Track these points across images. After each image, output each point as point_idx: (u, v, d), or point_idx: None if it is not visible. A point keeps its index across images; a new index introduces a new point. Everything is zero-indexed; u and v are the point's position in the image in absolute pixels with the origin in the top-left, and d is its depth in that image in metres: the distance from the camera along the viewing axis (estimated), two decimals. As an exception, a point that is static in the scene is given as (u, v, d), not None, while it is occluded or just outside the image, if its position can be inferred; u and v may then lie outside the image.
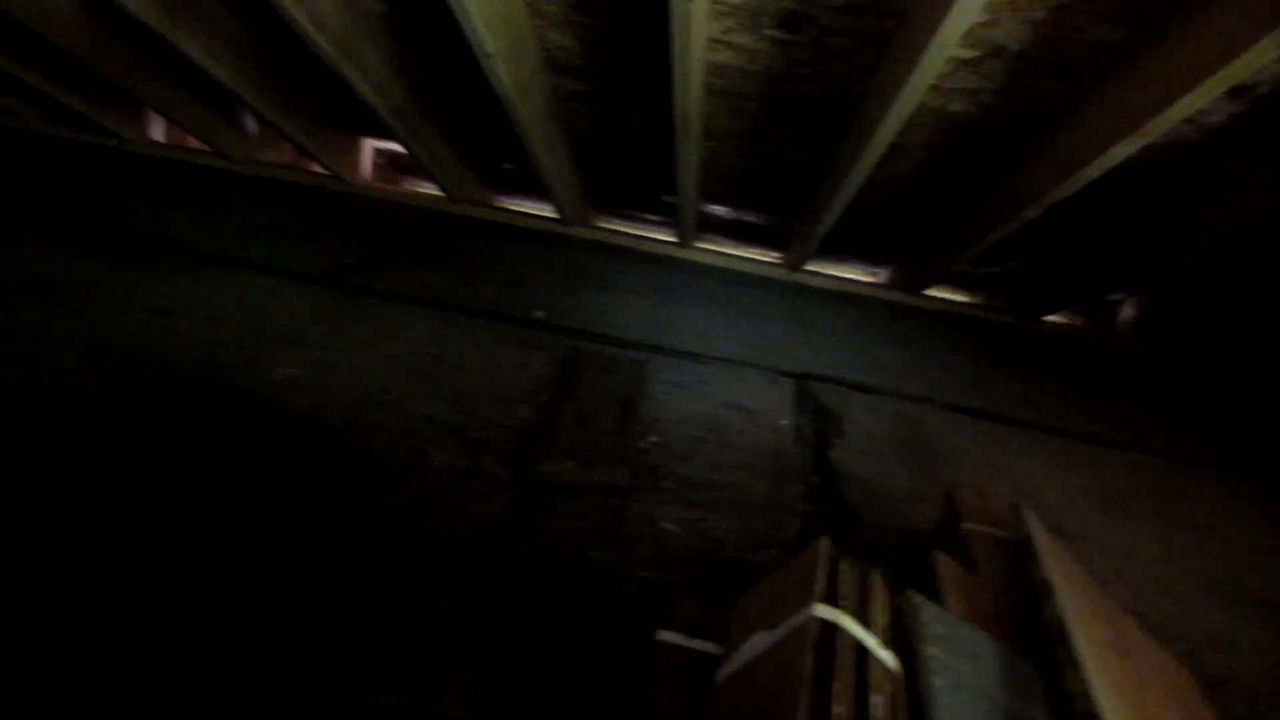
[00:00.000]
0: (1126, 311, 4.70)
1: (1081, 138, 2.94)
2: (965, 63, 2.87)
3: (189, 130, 4.68)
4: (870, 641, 1.46)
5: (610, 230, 4.92)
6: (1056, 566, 1.87)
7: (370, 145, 5.09)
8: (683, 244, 4.69)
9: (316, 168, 5.02)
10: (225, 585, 1.90)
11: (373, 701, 1.65)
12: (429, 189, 5.20)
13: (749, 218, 4.69)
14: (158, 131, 5.20)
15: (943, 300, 4.74)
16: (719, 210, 4.63)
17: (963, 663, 1.51)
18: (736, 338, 3.70)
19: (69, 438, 2.33)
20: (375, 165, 5.22)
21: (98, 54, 3.83)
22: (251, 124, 4.99)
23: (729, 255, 4.84)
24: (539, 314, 3.59)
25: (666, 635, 1.70)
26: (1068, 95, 2.94)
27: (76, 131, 5.06)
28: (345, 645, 1.77)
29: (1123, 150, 2.78)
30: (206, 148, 4.97)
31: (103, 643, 1.70)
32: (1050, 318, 4.69)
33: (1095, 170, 2.92)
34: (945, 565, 1.94)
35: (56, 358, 2.70)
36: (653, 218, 4.99)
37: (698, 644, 1.68)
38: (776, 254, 5.04)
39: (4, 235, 3.59)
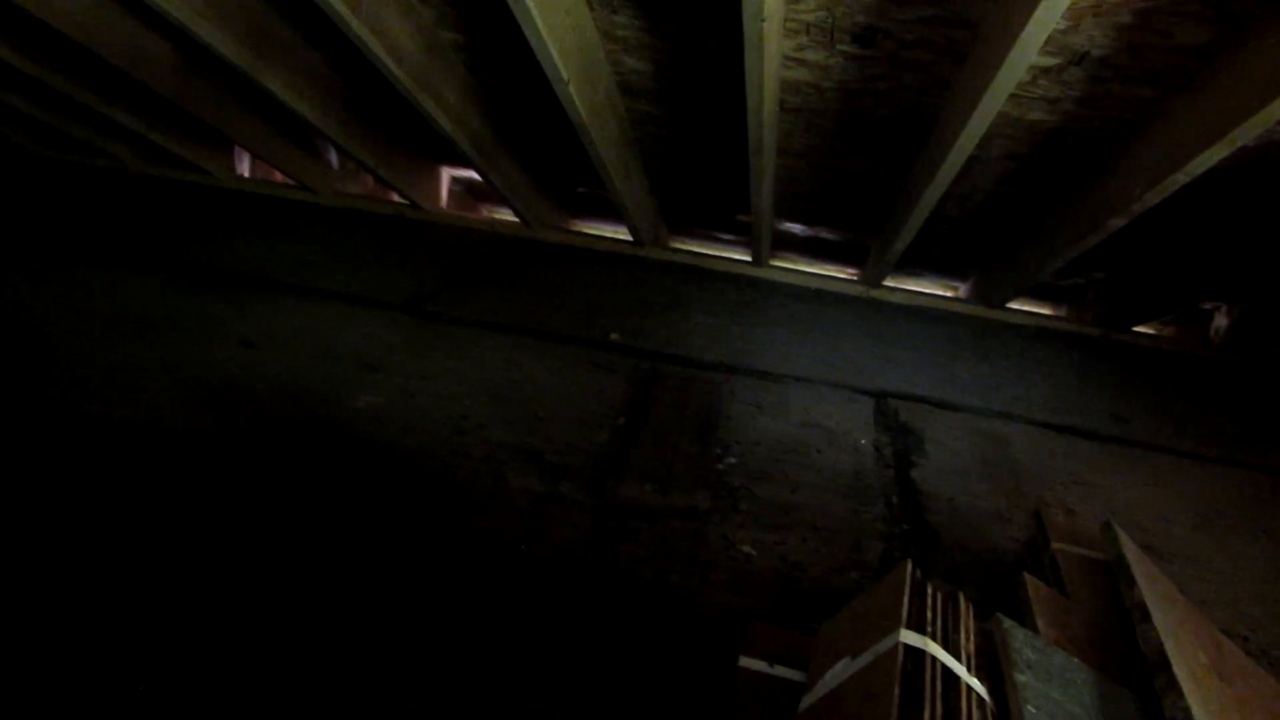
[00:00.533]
0: (1220, 320, 4.53)
1: (1170, 143, 2.85)
2: (1045, 70, 2.80)
3: (274, 164, 4.81)
4: (959, 668, 1.42)
5: (685, 251, 4.92)
6: (1152, 588, 1.81)
7: (447, 173, 5.17)
8: (758, 263, 4.66)
9: (395, 197, 5.12)
10: (317, 612, 1.93)
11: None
12: (505, 215, 5.26)
13: (824, 234, 4.65)
14: (244, 167, 5.36)
15: (1025, 313, 4.63)
16: (794, 228, 4.60)
17: (1055, 690, 1.46)
18: (814, 356, 3.66)
19: (169, 473, 2.41)
20: (452, 193, 5.30)
21: (187, 94, 3.97)
22: (333, 157, 5.11)
23: (805, 273, 4.80)
24: (615, 336, 3.60)
25: (748, 662, 1.68)
26: (1154, 100, 2.86)
27: (169, 169, 5.24)
28: (431, 673, 1.79)
29: (1214, 155, 2.69)
30: (290, 181, 5.11)
31: (218, 660, 1.75)
32: (1139, 328, 4.55)
33: (1185, 176, 2.83)
34: (1035, 588, 1.88)
35: (153, 392, 2.79)
36: (727, 237, 4.98)
37: (779, 670, 1.66)
38: (853, 270, 4.98)
39: (104, 272, 3.73)
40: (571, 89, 2.95)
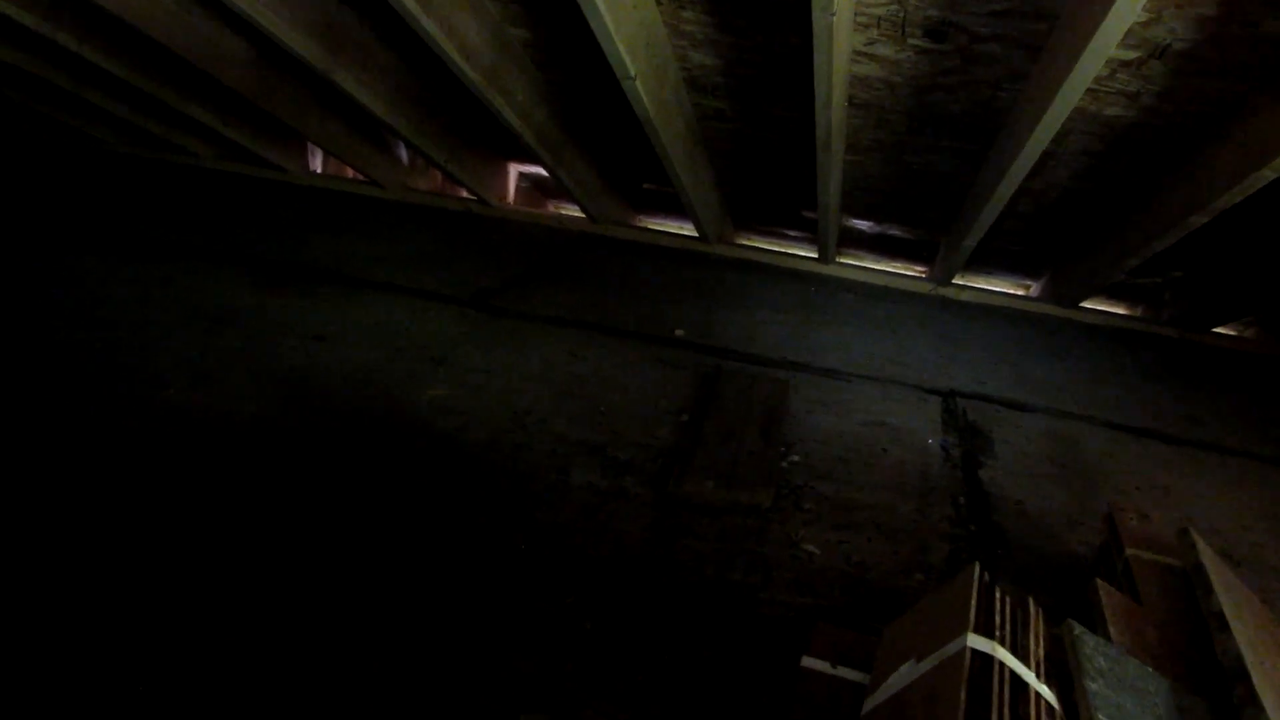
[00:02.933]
0: (1306, 323, 4.39)
1: (1255, 139, 2.76)
2: (1124, 64, 2.73)
3: (346, 161, 4.89)
4: (1027, 675, 1.39)
5: (750, 247, 4.89)
6: (1230, 596, 1.75)
7: (514, 169, 5.21)
8: (824, 259, 4.62)
9: (463, 193, 5.17)
10: (383, 601, 1.96)
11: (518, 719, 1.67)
12: (571, 210, 5.29)
13: (892, 231, 4.59)
14: (316, 163, 5.46)
15: (1099, 313, 4.52)
16: (861, 224, 4.54)
17: (1127, 698, 1.43)
18: (880, 354, 3.62)
19: (243, 461, 2.47)
20: (519, 189, 5.34)
21: (264, 93, 4.06)
22: (403, 153, 5.19)
23: (872, 270, 4.75)
24: (679, 332, 3.60)
25: (811, 662, 1.67)
26: (1238, 94, 2.77)
27: (245, 166, 5.36)
28: (493, 665, 1.81)
29: (1301, 151, 2.60)
30: (362, 177, 5.20)
31: (291, 637, 1.79)
32: (1218, 329, 4.42)
33: (1271, 173, 2.73)
34: (1107, 594, 1.84)
35: (227, 384, 2.86)
36: (793, 234, 4.94)
37: (842, 672, 1.64)
38: (921, 268, 4.91)
39: (181, 266, 3.83)
40: (638, 84, 2.95)
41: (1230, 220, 3.24)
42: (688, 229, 4.89)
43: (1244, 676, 1.51)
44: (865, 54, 2.95)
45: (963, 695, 1.28)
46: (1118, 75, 2.78)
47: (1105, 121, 3.06)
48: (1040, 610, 1.61)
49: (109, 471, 2.34)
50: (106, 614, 1.85)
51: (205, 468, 2.41)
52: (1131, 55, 2.67)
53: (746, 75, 3.30)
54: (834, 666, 1.65)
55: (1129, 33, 2.45)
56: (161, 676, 1.71)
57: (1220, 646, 1.61)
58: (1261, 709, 1.43)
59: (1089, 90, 2.80)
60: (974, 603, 1.50)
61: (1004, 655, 1.40)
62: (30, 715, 1.60)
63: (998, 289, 4.78)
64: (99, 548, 2.05)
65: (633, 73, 2.87)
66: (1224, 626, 1.63)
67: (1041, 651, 1.49)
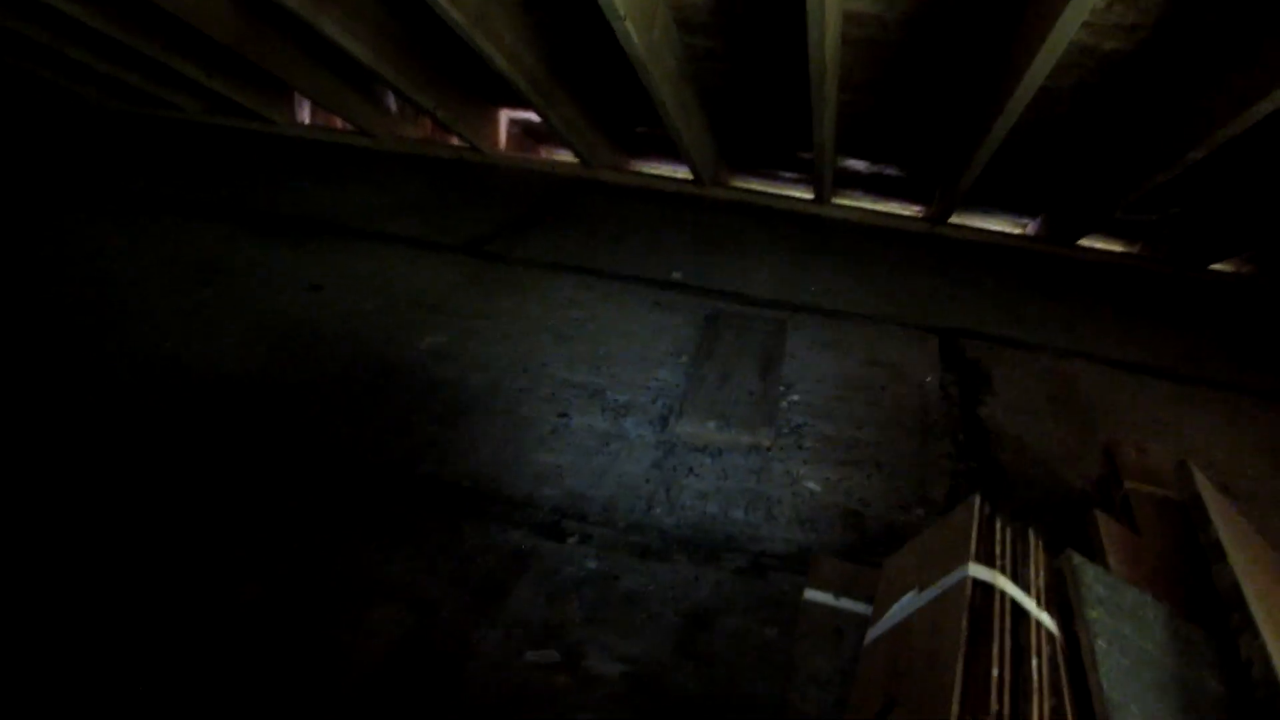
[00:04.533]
0: (1303, 257, 4.38)
1: (1255, 71, 2.73)
2: (1121, -4, 2.70)
3: (333, 111, 4.83)
4: (1028, 603, 1.41)
5: (746, 190, 4.86)
6: (1227, 527, 1.77)
7: (506, 115, 5.15)
8: (820, 200, 4.59)
9: (455, 140, 5.12)
10: (386, 548, 1.97)
11: (523, 657, 1.69)
12: (564, 156, 5.24)
13: (889, 171, 4.56)
14: (304, 114, 5.39)
15: (1096, 251, 4.52)
16: (857, 164, 4.51)
17: (1126, 626, 1.45)
18: (878, 294, 3.61)
19: (240, 411, 2.46)
20: (511, 135, 5.29)
21: (247, 42, 3.99)
22: (391, 101, 5.12)
23: (868, 210, 4.72)
24: (676, 275, 3.58)
25: (813, 594, 1.69)
26: (1238, 26, 2.73)
27: (231, 118, 5.29)
28: (499, 604, 1.82)
29: (1304, 81, 2.58)
30: (350, 127, 5.13)
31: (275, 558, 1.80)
32: (1216, 266, 4.41)
33: (1271, 105, 2.71)
34: (1106, 525, 1.86)
35: (223, 336, 2.85)
36: (789, 175, 4.91)
37: (845, 603, 1.66)
38: (918, 208, 4.88)
39: (173, 220, 3.80)
40: (629, 25, 2.91)
41: (1228, 154, 3.22)
42: (682, 172, 4.85)
43: (1240, 604, 1.52)
44: (860, -12, 2.91)
45: (964, 623, 1.30)
46: (1114, 8, 2.75)
47: (1102, 55, 3.03)
48: (1040, 541, 1.62)
49: (106, 424, 2.34)
50: (105, 563, 1.86)
51: (202, 419, 2.40)
52: (1130, -14, 2.64)
53: (738, 14, 3.25)
54: (836, 598, 1.67)
55: (1128, -39, 2.42)
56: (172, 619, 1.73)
57: (1217, 575, 1.63)
58: (1258, 634, 1.45)
59: (1085, 24, 2.76)
60: (975, 534, 1.51)
61: (1005, 584, 1.41)
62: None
63: (995, 228, 4.77)
64: (98, 500, 2.05)
65: (623, 13, 2.83)
66: (1221, 556, 1.65)
67: (1042, 581, 1.51)
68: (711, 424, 2.48)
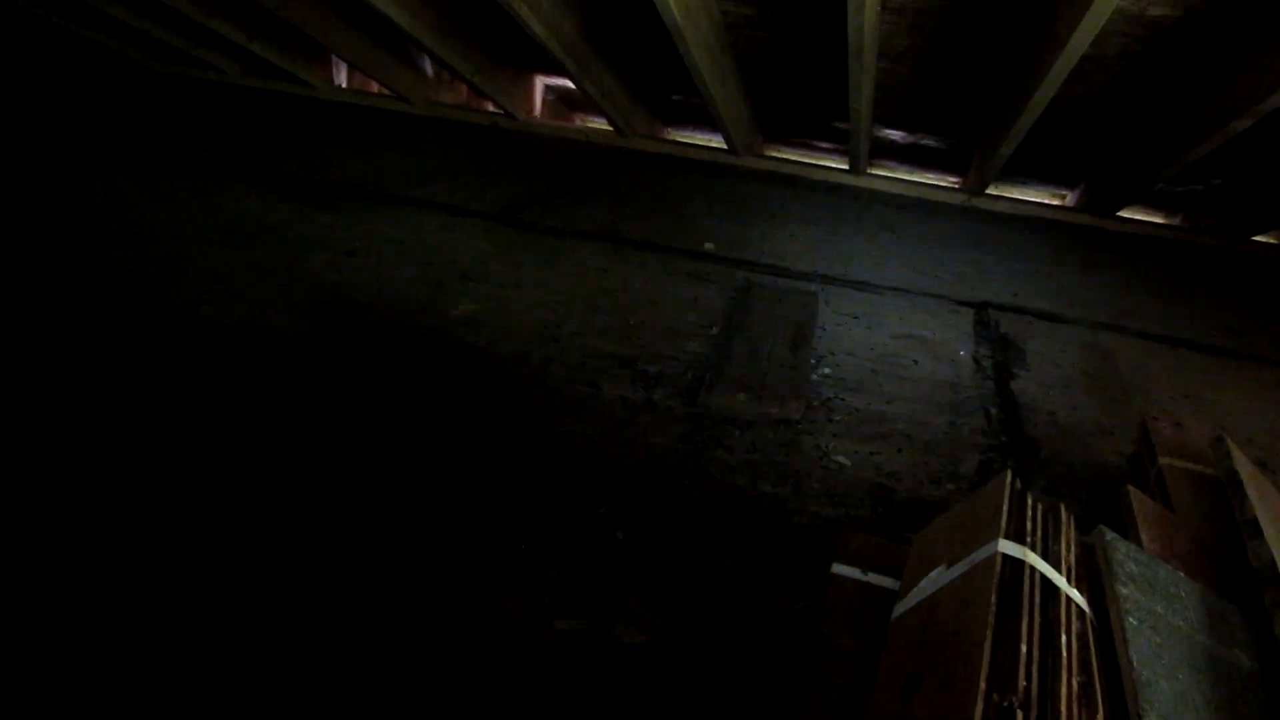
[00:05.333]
0: (1350, 231, 4.28)
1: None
2: (1168, -38, 2.65)
3: (371, 75, 4.84)
4: (1058, 579, 1.40)
5: (780, 159, 4.82)
6: (1264, 504, 1.75)
7: (541, 82, 5.14)
8: (855, 170, 4.55)
9: (490, 107, 5.12)
10: (416, 509, 1.99)
11: (552, 626, 1.71)
12: (598, 124, 5.22)
13: (925, 141, 4.50)
14: (341, 78, 5.40)
15: (1136, 222, 4.44)
16: (893, 134, 4.46)
17: (1158, 603, 1.44)
18: (912, 266, 3.58)
19: (274, 375, 2.49)
20: (545, 102, 5.27)
21: (288, 5, 4.00)
22: (428, 66, 5.12)
23: (904, 181, 4.68)
24: (709, 246, 3.57)
25: (840, 569, 1.69)
26: (1287, -7, 2.67)
27: (269, 81, 5.32)
28: (527, 573, 1.84)
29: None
30: (387, 92, 5.15)
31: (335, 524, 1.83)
32: (1259, 238, 4.33)
33: (1318, 75, 2.66)
34: (1140, 501, 1.84)
35: (260, 298, 2.88)
36: (824, 145, 4.86)
37: (873, 578, 1.66)
38: (955, 179, 4.83)
39: (210, 182, 3.83)
40: (666, -9, 2.89)
41: (1274, 124, 3.15)
42: (716, 141, 4.82)
43: (1276, 581, 1.51)
44: (900, -45, 2.86)
45: (994, 599, 1.29)
46: (1163, -28, 2.69)
47: (1147, 22, 2.96)
48: (1071, 517, 1.61)
49: (144, 385, 2.38)
50: (160, 503, 1.90)
51: (241, 379, 2.43)
52: (1178, -49, 2.57)
53: (777, -21, 3.21)
54: (864, 573, 1.67)
55: (1177, -74, 2.36)
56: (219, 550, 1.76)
57: (1253, 552, 1.61)
58: (1293, 613, 1.43)
59: (1132, -11, 2.71)
60: (1006, 509, 1.50)
61: (1035, 560, 1.40)
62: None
63: (1032, 199, 4.71)
64: (146, 454, 2.09)
65: (660, -22, 2.81)
66: (1257, 533, 1.63)
67: (1073, 557, 1.50)
68: (741, 396, 2.48)
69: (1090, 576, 1.49)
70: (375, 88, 5.30)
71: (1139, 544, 1.69)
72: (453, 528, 1.94)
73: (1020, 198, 4.66)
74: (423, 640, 1.64)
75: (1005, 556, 1.38)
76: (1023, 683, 1.17)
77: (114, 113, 4.78)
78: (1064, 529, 1.55)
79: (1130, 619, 1.35)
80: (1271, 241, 4.38)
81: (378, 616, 1.69)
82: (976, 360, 2.89)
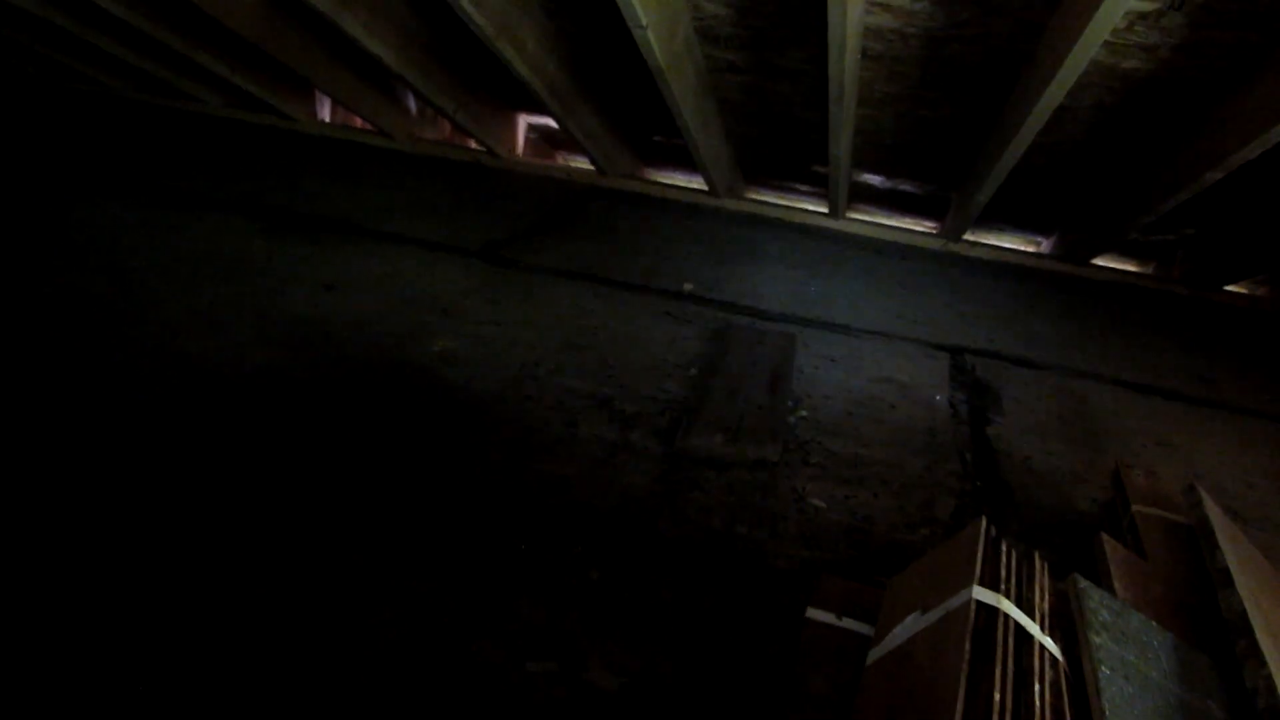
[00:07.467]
0: (1319, 282, 4.35)
1: (1273, 93, 2.73)
2: (1143, 16, 2.69)
3: (354, 110, 4.85)
4: (1032, 627, 1.40)
5: (760, 201, 4.86)
6: (1235, 553, 1.76)
7: (524, 120, 5.17)
8: (834, 214, 4.59)
9: (472, 144, 5.14)
10: (388, 546, 1.98)
11: (524, 668, 1.69)
12: (580, 163, 5.25)
13: (904, 186, 4.55)
14: (325, 112, 5.42)
15: (1110, 270, 4.50)
16: (872, 179, 4.51)
17: (1130, 651, 1.44)
18: (890, 310, 3.61)
19: (252, 407, 2.48)
20: (528, 140, 5.30)
21: (272, 39, 4.02)
22: (411, 103, 5.15)
23: (882, 225, 4.72)
24: (688, 287, 3.59)
25: (816, 613, 1.68)
26: (1257, 47, 2.72)
27: (253, 114, 5.33)
28: (499, 613, 1.82)
29: (1321, 106, 2.57)
30: (370, 127, 5.16)
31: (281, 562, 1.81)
32: (1231, 288, 4.39)
33: (1286, 130, 2.71)
34: (1113, 549, 1.85)
35: (238, 332, 2.86)
36: (804, 188, 4.91)
37: (848, 623, 1.65)
38: (932, 224, 4.88)
39: (191, 214, 3.83)
40: (650, 34, 2.91)
41: (1245, 176, 3.21)
42: (697, 182, 4.86)
43: (1247, 631, 1.52)
44: (880, 4, 2.91)
45: (967, 646, 1.29)
46: (1135, 27, 2.74)
47: (1122, 75, 3.02)
48: (1046, 564, 1.62)
49: (121, 417, 2.36)
50: (119, 539, 1.87)
51: (215, 414, 2.42)
52: (1150, 7, 2.63)
53: (759, 26, 3.25)
54: (839, 618, 1.67)
55: (1149, -16, 2.42)
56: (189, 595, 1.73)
57: (1224, 601, 1.62)
58: (1263, 663, 1.44)
59: (1106, 43, 2.76)
60: (980, 556, 1.51)
61: (1009, 608, 1.41)
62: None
63: (1009, 245, 4.76)
64: (110, 492, 2.06)
65: (644, 22, 2.84)
66: (1229, 582, 1.64)
67: (1046, 605, 1.50)
68: (719, 437, 2.48)
69: (1064, 624, 1.49)
70: (358, 122, 5.32)
71: (1112, 591, 1.70)
72: (427, 566, 1.93)
73: (997, 244, 4.71)
74: (395, 680, 1.62)
75: (979, 604, 1.38)
76: (996, 732, 1.17)
77: (95, 142, 4.77)
78: (1038, 576, 1.56)
79: (1103, 668, 1.35)
80: (1243, 291, 4.44)
81: (352, 656, 1.67)
82: (953, 405, 2.90)
